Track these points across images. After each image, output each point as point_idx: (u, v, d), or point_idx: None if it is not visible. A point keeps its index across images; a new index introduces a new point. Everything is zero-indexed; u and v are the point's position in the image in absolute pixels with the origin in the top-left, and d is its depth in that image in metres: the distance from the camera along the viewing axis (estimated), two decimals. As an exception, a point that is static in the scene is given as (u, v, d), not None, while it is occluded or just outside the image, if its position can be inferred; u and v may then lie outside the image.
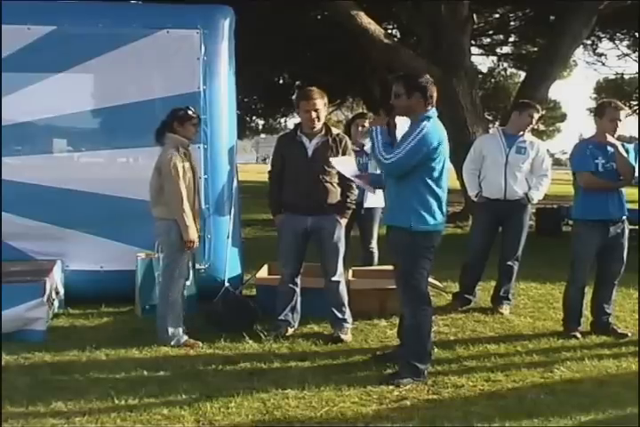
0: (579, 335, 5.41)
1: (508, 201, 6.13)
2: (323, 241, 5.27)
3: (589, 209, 5.38)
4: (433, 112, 4.37)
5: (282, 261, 5.41)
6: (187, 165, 5.04)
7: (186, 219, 4.95)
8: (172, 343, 4.97)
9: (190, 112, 5.11)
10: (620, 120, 5.30)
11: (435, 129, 4.31)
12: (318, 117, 5.16)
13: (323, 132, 5.23)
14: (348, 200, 5.32)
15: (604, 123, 5.33)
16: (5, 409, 3.78)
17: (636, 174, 5.36)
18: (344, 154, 5.22)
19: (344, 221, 5.35)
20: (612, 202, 5.35)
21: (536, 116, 6.18)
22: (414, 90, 4.32)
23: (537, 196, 6.19)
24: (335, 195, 5.27)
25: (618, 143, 5.25)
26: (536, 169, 6.17)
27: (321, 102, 5.17)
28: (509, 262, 6.29)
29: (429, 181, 4.30)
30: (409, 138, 4.24)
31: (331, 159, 5.04)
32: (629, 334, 5.43)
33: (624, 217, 5.44)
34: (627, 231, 5.48)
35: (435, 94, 4.36)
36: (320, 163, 5.17)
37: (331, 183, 5.24)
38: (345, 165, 4.95)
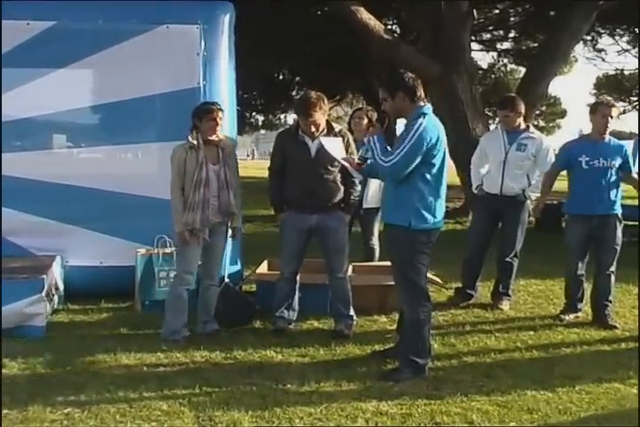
0: (565, 318, 5.76)
1: (505, 197, 6.14)
2: (328, 239, 5.25)
3: (574, 203, 5.81)
4: (427, 108, 4.32)
5: (284, 259, 5.37)
6: (192, 157, 4.96)
7: (173, 211, 4.98)
8: (173, 339, 4.97)
9: (208, 106, 5.04)
10: (612, 116, 5.59)
11: (431, 125, 4.24)
12: (318, 128, 5.10)
13: (324, 131, 5.17)
14: (351, 197, 5.31)
15: (596, 119, 5.63)
16: (5, 404, 3.78)
17: (636, 170, 5.42)
18: (347, 150, 5.15)
19: (347, 218, 5.37)
20: (596, 198, 5.61)
21: (509, 113, 6.11)
22: (395, 90, 4.30)
23: (535, 193, 6.19)
24: (339, 193, 5.25)
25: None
26: (539, 164, 6.13)
27: (320, 115, 5.08)
28: (508, 259, 6.28)
29: (429, 178, 4.25)
30: (406, 138, 4.19)
31: (320, 138, 4.99)
32: (618, 326, 5.56)
33: (613, 212, 5.63)
34: (618, 226, 5.65)
35: (420, 89, 4.31)
36: (323, 162, 5.12)
37: (334, 182, 5.21)
38: (334, 145, 4.89)
